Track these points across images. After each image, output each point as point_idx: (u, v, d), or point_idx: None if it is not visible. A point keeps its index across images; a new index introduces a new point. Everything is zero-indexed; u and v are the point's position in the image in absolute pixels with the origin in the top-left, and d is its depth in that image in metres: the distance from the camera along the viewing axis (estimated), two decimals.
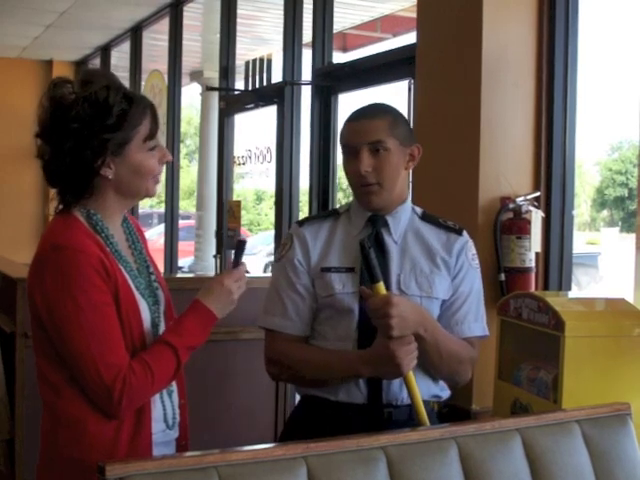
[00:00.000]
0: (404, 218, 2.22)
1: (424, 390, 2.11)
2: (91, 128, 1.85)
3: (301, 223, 2.26)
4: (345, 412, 2.11)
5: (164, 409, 1.98)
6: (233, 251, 2.07)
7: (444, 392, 2.23)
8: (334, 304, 2.14)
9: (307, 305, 2.17)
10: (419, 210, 2.27)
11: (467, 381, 2.28)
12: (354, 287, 2.12)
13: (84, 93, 1.87)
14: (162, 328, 1.99)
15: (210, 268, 7.00)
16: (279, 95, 5.39)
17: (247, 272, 2.05)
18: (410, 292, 2.14)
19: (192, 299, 1.97)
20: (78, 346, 1.80)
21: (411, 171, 3.86)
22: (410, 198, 2.26)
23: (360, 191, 2.17)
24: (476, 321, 2.22)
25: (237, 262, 2.01)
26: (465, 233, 2.25)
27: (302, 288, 2.17)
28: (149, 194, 2.00)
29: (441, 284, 2.17)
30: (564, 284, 3.32)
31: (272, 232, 6.81)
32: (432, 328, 2.09)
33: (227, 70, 6.38)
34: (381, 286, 2.00)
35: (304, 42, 5.34)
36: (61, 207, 1.93)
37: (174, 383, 2.01)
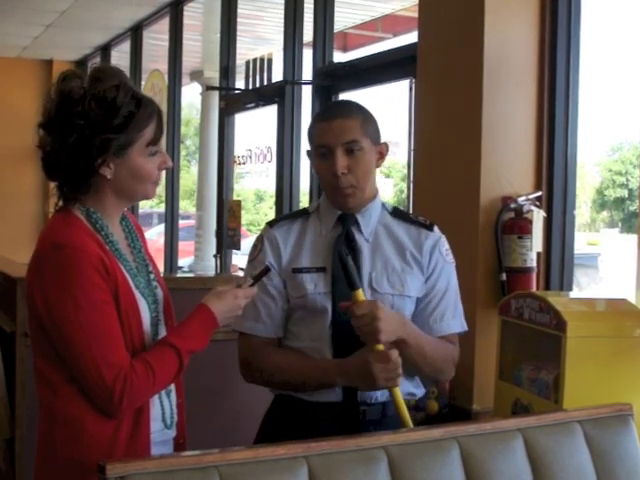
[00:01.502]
0: (374, 215, 2.20)
1: (401, 388, 2.11)
2: (96, 126, 1.84)
3: (271, 224, 2.24)
4: (320, 411, 2.10)
5: (162, 408, 1.97)
6: (256, 271, 2.08)
7: (419, 390, 2.23)
8: (307, 305, 2.13)
9: (279, 307, 2.17)
10: (389, 206, 2.25)
11: (450, 378, 2.29)
12: (326, 287, 2.12)
13: (93, 90, 1.85)
14: (161, 327, 1.98)
15: (210, 268, 6.99)
16: (279, 95, 5.38)
17: None
18: (382, 290, 2.13)
19: (198, 302, 1.96)
20: (78, 345, 1.79)
21: (412, 171, 3.87)
22: (379, 194, 2.24)
23: (335, 192, 2.15)
24: (454, 318, 2.21)
25: (255, 282, 2.03)
26: (436, 229, 2.23)
27: (274, 290, 2.16)
28: (147, 197, 2.00)
29: (413, 282, 2.16)
30: (565, 284, 3.32)
31: None
32: (413, 331, 2.10)
33: (227, 70, 6.38)
34: (360, 293, 2.00)
35: (305, 41, 5.34)
36: (60, 203, 1.93)
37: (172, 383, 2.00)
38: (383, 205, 2.23)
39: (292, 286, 2.15)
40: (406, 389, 2.16)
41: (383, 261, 2.16)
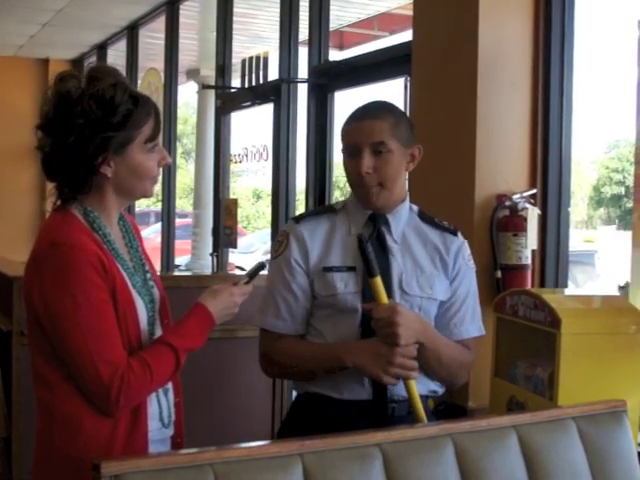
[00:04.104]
0: (404, 216, 2.22)
1: (422, 386, 2.13)
2: (95, 125, 1.84)
3: (297, 220, 2.24)
4: (349, 409, 2.11)
5: (160, 407, 1.97)
6: (251, 268, 2.08)
7: (440, 387, 2.24)
8: (336, 304, 2.13)
9: (300, 305, 2.17)
10: (416, 208, 2.27)
11: (463, 383, 2.30)
12: (356, 286, 2.12)
13: (91, 90, 1.86)
14: (157, 327, 1.99)
15: (207, 266, 6.99)
16: (275, 93, 5.39)
17: None
18: (412, 292, 2.14)
19: (195, 300, 1.97)
20: (76, 343, 1.80)
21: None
22: (408, 196, 2.26)
23: (361, 191, 2.16)
24: (473, 322, 2.24)
25: (250, 280, 2.03)
26: (460, 234, 2.26)
27: (297, 288, 2.16)
28: (146, 195, 2.01)
29: (440, 285, 2.18)
30: (560, 281, 3.32)
31: (268, 230, 6.81)
32: (432, 335, 2.11)
33: (223, 68, 6.38)
34: (378, 280, 2.01)
35: (300, 40, 5.34)
36: (59, 203, 1.93)
37: (169, 382, 2.00)
38: (410, 207, 2.25)
39: (321, 284, 2.15)
40: (429, 387, 2.19)
41: (413, 263, 2.17)
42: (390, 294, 2.10)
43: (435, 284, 2.17)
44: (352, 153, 2.15)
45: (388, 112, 2.17)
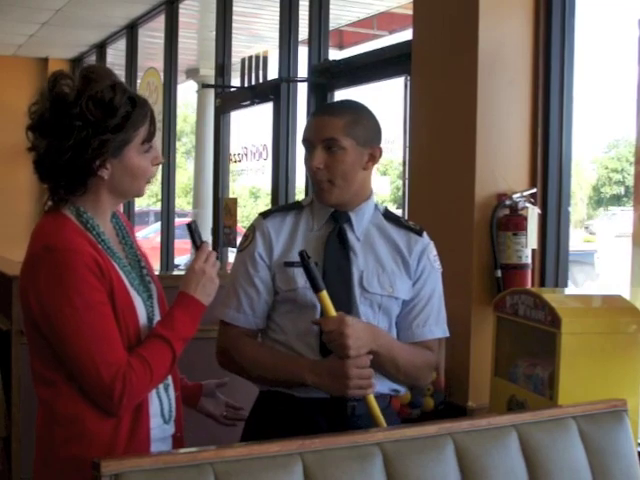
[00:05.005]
0: (367, 215, 2.21)
1: (384, 385, 2.13)
2: (94, 128, 1.82)
3: (265, 215, 2.24)
4: (310, 407, 2.10)
5: (161, 404, 1.97)
6: (191, 236, 2.06)
7: (402, 387, 2.24)
8: (296, 299, 2.14)
9: (262, 299, 2.17)
10: (382, 208, 2.26)
11: (427, 383, 2.30)
12: None
13: (89, 91, 1.84)
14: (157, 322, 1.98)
15: None
16: (275, 92, 5.38)
17: (221, 258, 2.04)
18: (372, 290, 2.14)
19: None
20: (76, 347, 1.79)
21: (407, 168, 3.87)
22: (374, 195, 2.25)
23: (314, 186, 2.19)
24: (437, 324, 2.22)
25: (196, 244, 2.02)
26: (425, 234, 2.24)
27: (259, 282, 2.17)
28: (139, 194, 2.00)
29: (402, 284, 2.17)
30: (560, 281, 3.32)
31: None
32: (385, 342, 2.11)
33: (223, 67, 6.38)
34: (324, 295, 2.01)
35: (300, 39, 5.34)
36: (50, 204, 1.91)
37: (170, 377, 2.00)
38: (376, 206, 2.24)
39: (282, 279, 2.15)
40: (390, 386, 2.18)
41: (375, 261, 2.17)
42: (350, 291, 2.11)
43: (396, 283, 2.16)
44: (307, 148, 2.17)
45: (348, 110, 2.17)
